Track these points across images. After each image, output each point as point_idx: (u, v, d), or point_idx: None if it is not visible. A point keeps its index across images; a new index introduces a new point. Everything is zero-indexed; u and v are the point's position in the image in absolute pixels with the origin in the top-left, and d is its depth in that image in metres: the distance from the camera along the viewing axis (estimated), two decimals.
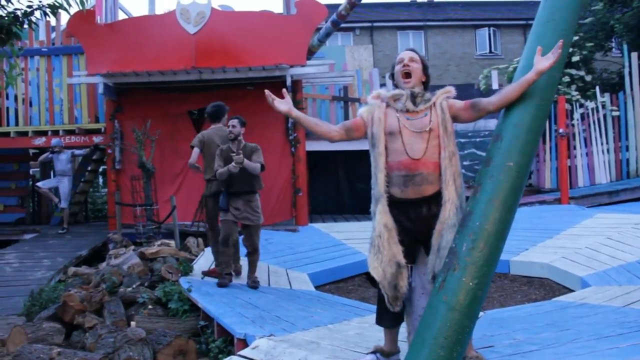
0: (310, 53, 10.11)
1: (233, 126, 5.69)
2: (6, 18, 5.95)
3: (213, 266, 6.23)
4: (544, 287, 6.54)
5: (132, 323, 4.93)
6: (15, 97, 10.93)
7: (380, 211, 3.02)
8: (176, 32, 9.41)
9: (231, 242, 5.71)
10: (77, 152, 10.55)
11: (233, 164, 5.41)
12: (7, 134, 10.72)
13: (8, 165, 11.90)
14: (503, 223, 2.67)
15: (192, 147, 6.20)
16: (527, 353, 3.31)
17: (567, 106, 12.55)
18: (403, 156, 2.97)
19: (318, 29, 9.96)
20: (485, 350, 3.39)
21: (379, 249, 3.00)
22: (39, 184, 10.57)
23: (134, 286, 5.77)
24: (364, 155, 12.72)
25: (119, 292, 5.64)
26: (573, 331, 3.79)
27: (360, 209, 12.74)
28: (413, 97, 3.05)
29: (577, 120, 12.86)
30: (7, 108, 10.92)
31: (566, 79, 14.36)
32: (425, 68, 3.15)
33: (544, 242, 7.74)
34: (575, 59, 14.68)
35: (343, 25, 11.19)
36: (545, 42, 2.80)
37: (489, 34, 24.58)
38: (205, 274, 6.08)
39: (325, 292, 6.45)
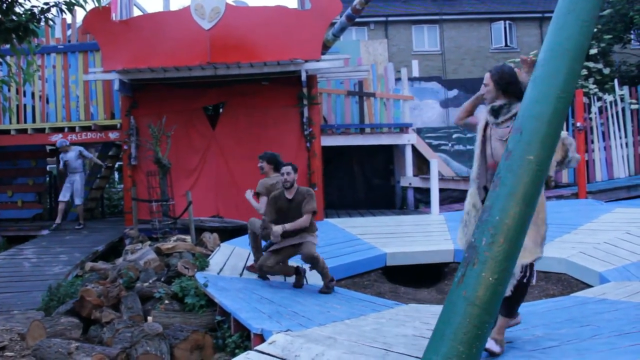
0: (325, 48, 10.09)
1: (287, 173, 5.63)
2: (23, 16, 6.00)
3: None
4: (562, 283, 6.47)
5: (149, 318, 4.96)
6: (32, 94, 11.04)
7: (472, 193, 3.54)
8: (191, 28, 9.43)
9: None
10: (85, 153, 10.51)
11: (272, 237, 5.53)
12: (24, 131, 10.84)
13: (26, 161, 12.02)
14: (523, 217, 2.63)
15: (259, 195, 6.12)
16: (547, 349, 3.27)
17: (585, 99, 12.39)
18: (490, 159, 3.49)
19: (333, 24, 9.93)
20: (504, 346, 3.36)
21: (466, 224, 3.52)
22: (60, 198, 10.58)
23: (150, 281, 5.80)
24: (379, 151, 12.67)
25: (135, 287, 5.67)
26: (593, 327, 3.74)
27: (375, 204, 12.73)
28: (493, 111, 3.52)
29: (595, 113, 12.70)
30: (25, 105, 11.03)
31: (584, 71, 14.18)
32: (499, 84, 3.48)
33: (562, 237, 7.65)
34: (593, 51, 14.48)
35: (358, 19, 11.15)
36: (566, 33, 2.74)
37: (505, 28, 24.33)
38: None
39: (341, 287, 6.43)
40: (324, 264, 5.69)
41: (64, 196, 10.47)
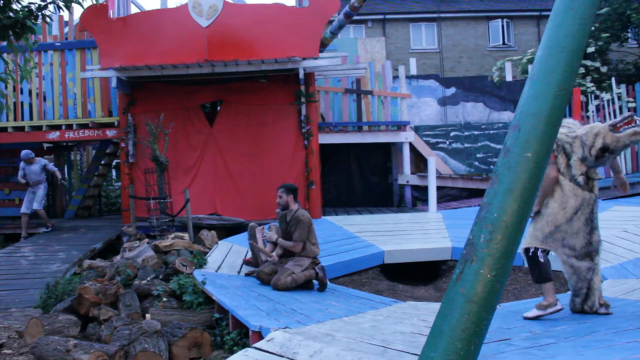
0: (323, 45, 10.08)
1: (279, 196, 5.74)
2: (21, 12, 5.98)
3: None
4: (559, 280, 6.46)
5: (147, 315, 4.96)
6: (30, 92, 11.01)
7: None
8: (189, 25, 9.42)
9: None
10: (50, 166, 10.15)
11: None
12: (21, 128, 10.81)
13: None
14: (521, 215, 2.63)
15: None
16: (545, 346, 3.28)
17: (582, 98, 12.42)
18: None
19: (330, 21, 9.93)
20: (502, 343, 3.37)
21: None
22: (22, 210, 10.07)
23: (148, 279, 5.80)
24: (377, 149, 12.62)
25: (133, 285, 5.67)
26: (590, 324, 3.75)
27: (373, 202, 12.73)
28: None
29: (592, 112, 12.72)
30: (22, 102, 11.00)
31: (581, 70, 14.20)
32: None
33: None
34: (591, 50, 14.50)
35: (355, 17, 11.14)
36: (564, 31, 2.75)
37: (502, 26, 24.32)
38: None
39: (339, 285, 6.44)
40: (293, 283, 5.54)
41: (27, 208, 10.04)
